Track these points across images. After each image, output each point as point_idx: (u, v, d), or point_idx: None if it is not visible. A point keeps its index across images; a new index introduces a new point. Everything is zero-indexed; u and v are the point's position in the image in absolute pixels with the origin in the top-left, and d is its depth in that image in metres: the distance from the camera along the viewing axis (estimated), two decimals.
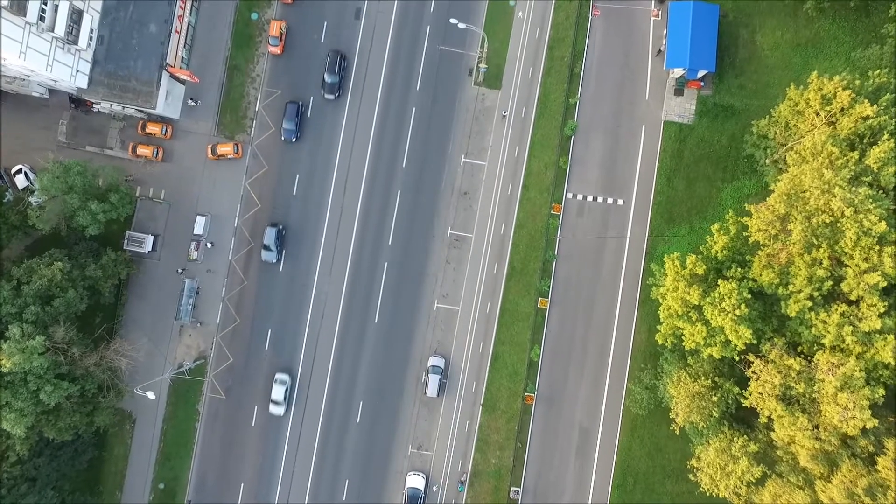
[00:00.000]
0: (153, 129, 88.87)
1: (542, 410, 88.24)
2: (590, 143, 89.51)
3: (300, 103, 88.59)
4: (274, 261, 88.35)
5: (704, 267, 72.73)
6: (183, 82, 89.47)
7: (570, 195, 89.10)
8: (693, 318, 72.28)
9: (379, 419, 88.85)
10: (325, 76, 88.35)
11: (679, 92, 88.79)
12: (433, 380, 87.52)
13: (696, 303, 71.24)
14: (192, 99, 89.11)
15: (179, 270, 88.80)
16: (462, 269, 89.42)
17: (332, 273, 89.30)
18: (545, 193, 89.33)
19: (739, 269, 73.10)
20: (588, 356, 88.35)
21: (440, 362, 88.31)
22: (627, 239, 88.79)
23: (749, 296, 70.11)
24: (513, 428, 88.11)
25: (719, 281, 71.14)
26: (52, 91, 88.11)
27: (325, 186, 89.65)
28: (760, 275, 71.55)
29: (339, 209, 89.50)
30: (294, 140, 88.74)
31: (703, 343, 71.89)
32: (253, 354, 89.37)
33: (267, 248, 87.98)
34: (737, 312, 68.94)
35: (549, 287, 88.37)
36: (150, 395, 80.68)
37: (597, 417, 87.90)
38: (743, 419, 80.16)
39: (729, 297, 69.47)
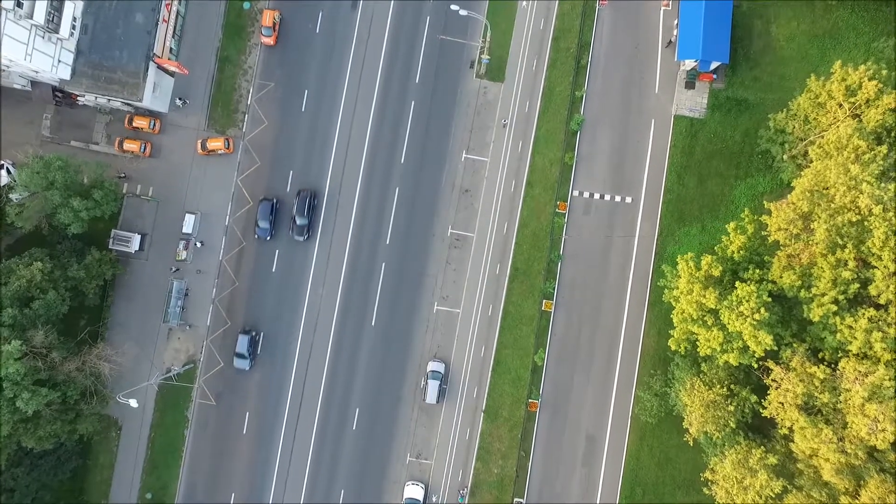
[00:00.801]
0: (140, 123, 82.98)
1: (547, 418, 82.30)
2: (597, 139, 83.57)
3: (274, 201, 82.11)
4: (247, 368, 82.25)
5: (720, 268, 66.85)
6: (172, 74, 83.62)
7: (575, 193, 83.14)
8: (709, 323, 66.24)
9: (376, 427, 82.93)
10: (296, 217, 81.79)
11: (690, 85, 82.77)
12: (432, 385, 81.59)
13: (713, 306, 65.23)
14: (179, 98, 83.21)
15: (173, 269, 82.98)
16: (463, 270, 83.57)
17: (327, 274, 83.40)
18: (550, 191, 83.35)
19: (757, 271, 67.11)
20: (595, 361, 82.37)
21: (440, 367, 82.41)
22: (636, 239, 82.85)
23: (769, 299, 64.18)
24: (516, 436, 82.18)
25: (737, 283, 65.17)
26: (34, 83, 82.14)
27: (321, 183, 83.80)
28: (780, 277, 65.60)
29: (334, 207, 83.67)
30: (268, 239, 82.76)
31: (719, 349, 65.89)
32: None
33: (240, 355, 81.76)
34: (756, 317, 62.96)
35: (553, 289, 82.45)
36: (133, 403, 74.71)
37: (604, 425, 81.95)
38: (758, 428, 74.21)
39: (747, 301, 63.50)
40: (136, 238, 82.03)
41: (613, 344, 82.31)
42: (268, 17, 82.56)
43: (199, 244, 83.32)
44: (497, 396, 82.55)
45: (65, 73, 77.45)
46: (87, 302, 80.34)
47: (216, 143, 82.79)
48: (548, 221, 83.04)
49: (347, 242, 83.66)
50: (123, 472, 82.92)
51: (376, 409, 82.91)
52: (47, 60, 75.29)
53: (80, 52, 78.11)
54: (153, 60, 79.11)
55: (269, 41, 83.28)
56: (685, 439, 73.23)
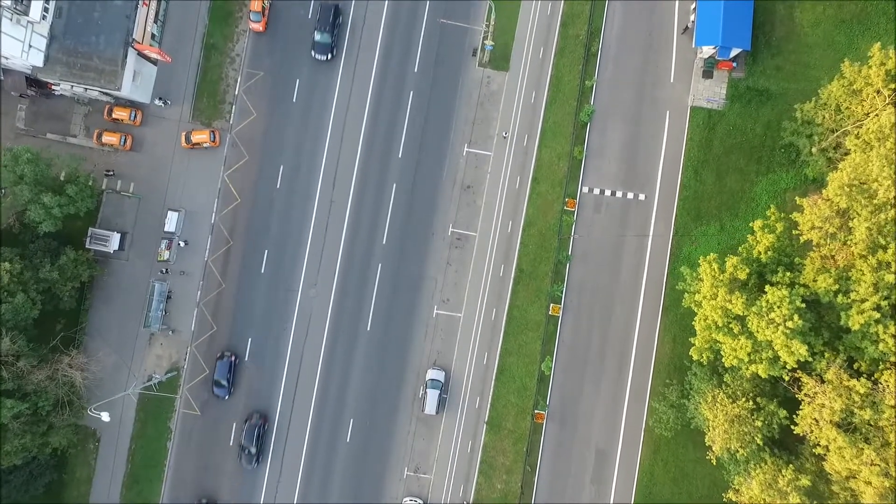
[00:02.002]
0: (120, 114, 74.91)
1: (554, 430, 74.11)
2: (608, 132, 75.40)
3: (233, 358, 73.81)
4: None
5: (747, 270, 58.80)
6: (155, 62, 75.62)
7: (585, 189, 75.03)
8: (735, 331, 58.19)
9: (371, 439, 74.77)
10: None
11: (708, 74, 74.60)
12: (432, 395, 73.51)
13: (740, 313, 57.20)
14: (160, 98, 75.18)
15: (163, 271, 74.96)
16: (465, 271, 75.54)
17: (319, 275, 75.37)
18: (558, 187, 75.24)
19: (787, 274, 58.97)
20: (605, 369, 74.25)
21: (440, 376, 74.33)
22: (650, 238, 74.73)
23: (802, 305, 56.08)
24: (521, 449, 74.11)
25: (767, 287, 57.06)
26: (6, 71, 74.11)
27: (313, 179, 75.63)
28: (814, 280, 57.54)
29: (327, 204, 75.55)
30: (226, 398, 74.25)
31: (746, 360, 57.90)
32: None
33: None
34: (789, 325, 54.85)
35: (561, 292, 74.31)
36: (105, 416, 66.53)
37: (615, 438, 73.80)
38: (782, 443, 66.08)
39: (779, 307, 55.42)
40: (116, 237, 73.97)
41: (625, 351, 74.12)
42: (257, 2, 74.43)
43: (182, 244, 75.27)
44: (501, 407, 74.39)
45: (37, 59, 69.34)
46: (63, 305, 72.32)
47: (201, 136, 74.70)
48: (555, 220, 74.92)
49: (341, 242, 75.58)
50: (102, 486, 74.68)
51: (372, 420, 74.76)
52: (17, 45, 67.22)
53: (54, 37, 69.88)
54: (133, 47, 71.02)
55: (259, 27, 75.14)
56: (707, 457, 64.97)
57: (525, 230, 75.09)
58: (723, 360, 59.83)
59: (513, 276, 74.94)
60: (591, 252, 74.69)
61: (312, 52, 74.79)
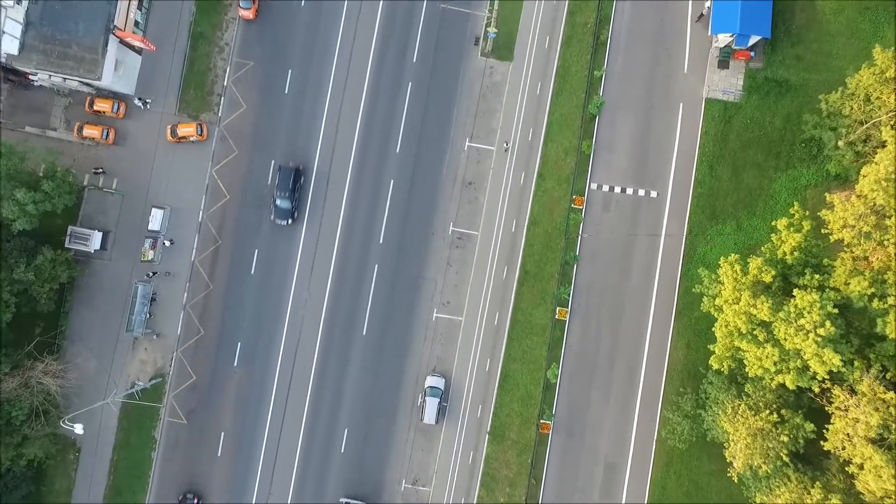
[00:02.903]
0: (102, 105, 68.91)
1: (561, 441, 68.13)
2: (617, 125, 69.40)
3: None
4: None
5: (773, 272, 52.84)
6: (139, 51, 69.78)
7: (594, 186, 69.05)
8: (760, 338, 52.21)
9: (367, 449, 68.64)
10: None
11: (724, 64, 68.63)
12: (431, 403, 67.48)
13: (766, 319, 51.26)
14: (139, 99, 68.78)
15: (150, 274, 69.11)
16: (466, 272, 69.62)
17: (312, 277, 69.39)
18: (565, 184, 69.29)
19: (816, 276, 53.09)
20: (615, 377, 68.21)
21: (440, 383, 68.30)
22: (662, 238, 68.73)
23: (835, 310, 50.12)
24: (525, 461, 68.16)
25: (795, 292, 51.04)
26: None
27: (306, 174, 69.89)
28: (846, 283, 51.62)
29: (321, 201, 69.74)
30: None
31: (773, 370, 51.92)
32: (219, 372, 69.08)
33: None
34: (820, 332, 48.84)
35: (568, 295, 68.37)
36: (78, 429, 60.54)
37: (625, 450, 67.82)
38: (804, 456, 60.05)
39: (809, 312, 49.52)
40: (97, 236, 67.99)
41: (636, 358, 68.08)
42: None
43: (168, 243, 69.36)
44: (504, 416, 68.36)
45: (11, 46, 63.38)
46: (41, 308, 66.35)
47: (187, 129, 68.71)
48: (562, 218, 68.93)
49: (336, 242, 69.68)
50: (82, 499, 68.32)
51: (368, 430, 68.66)
52: None
53: (30, 23, 63.81)
54: (114, 34, 65.18)
55: (249, 14, 69.10)
56: (727, 473, 58.97)
57: (530, 229, 69.08)
58: (746, 369, 53.77)
59: (517, 277, 68.95)
60: (600, 252, 68.66)
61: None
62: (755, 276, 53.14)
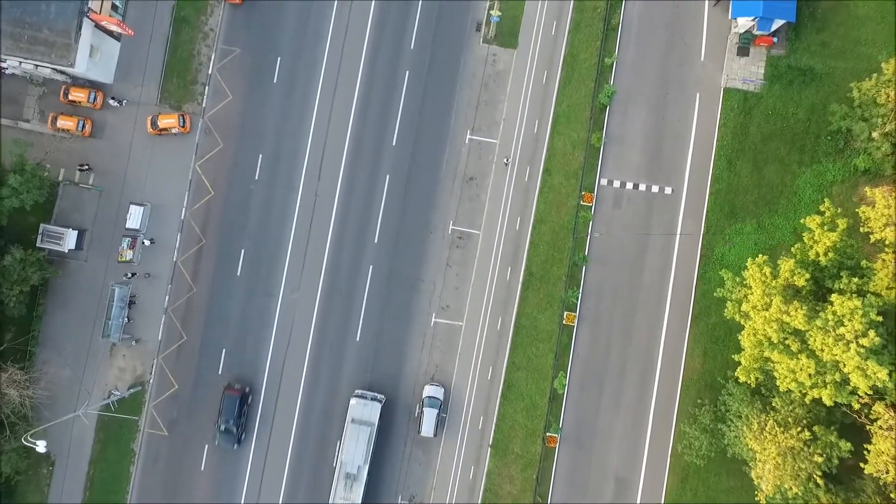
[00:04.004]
0: (78, 95, 62.47)
1: (568, 455, 61.64)
2: (629, 117, 62.90)
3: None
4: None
5: (807, 276, 46.41)
6: (117, 37, 63.37)
7: (604, 182, 62.61)
8: (794, 349, 45.78)
9: None
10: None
11: (744, 51, 62.13)
12: (429, 415, 61.03)
13: (800, 327, 44.84)
14: (113, 98, 62.38)
15: (129, 275, 62.81)
16: (467, 274, 63.19)
17: (302, 278, 63.02)
18: (573, 179, 62.83)
19: (854, 280, 46.72)
20: (626, 387, 61.70)
21: (438, 393, 61.85)
22: (677, 237, 62.32)
23: (879, 318, 43.71)
24: (530, 477, 61.68)
25: (833, 297, 44.65)
26: None
27: (296, 169, 63.11)
28: (889, 287, 45.23)
29: (311, 198, 63.23)
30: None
31: (808, 384, 45.49)
32: (203, 380, 62.57)
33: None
34: (863, 342, 42.51)
35: (577, 298, 61.93)
36: (41, 446, 53.97)
37: (637, 465, 61.35)
38: (835, 475, 53.65)
39: (850, 320, 43.17)
40: (72, 234, 61.45)
41: (649, 366, 61.61)
42: None
43: (147, 242, 62.97)
44: (507, 428, 61.87)
45: None
46: (10, 312, 59.87)
47: (169, 121, 62.23)
48: (570, 216, 62.46)
49: (327, 241, 63.26)
50: None
51: None
52: None
53: None
54: (88, 17, 58.87)
55: None
56: (756, 499, 52.32)
57: (535, 228, 62.61)
58: (777, 382, 47.30)
59: (521, 280, 62.54)
60: (611, 253, 62.17)
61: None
62: (786, 280, 46.69)
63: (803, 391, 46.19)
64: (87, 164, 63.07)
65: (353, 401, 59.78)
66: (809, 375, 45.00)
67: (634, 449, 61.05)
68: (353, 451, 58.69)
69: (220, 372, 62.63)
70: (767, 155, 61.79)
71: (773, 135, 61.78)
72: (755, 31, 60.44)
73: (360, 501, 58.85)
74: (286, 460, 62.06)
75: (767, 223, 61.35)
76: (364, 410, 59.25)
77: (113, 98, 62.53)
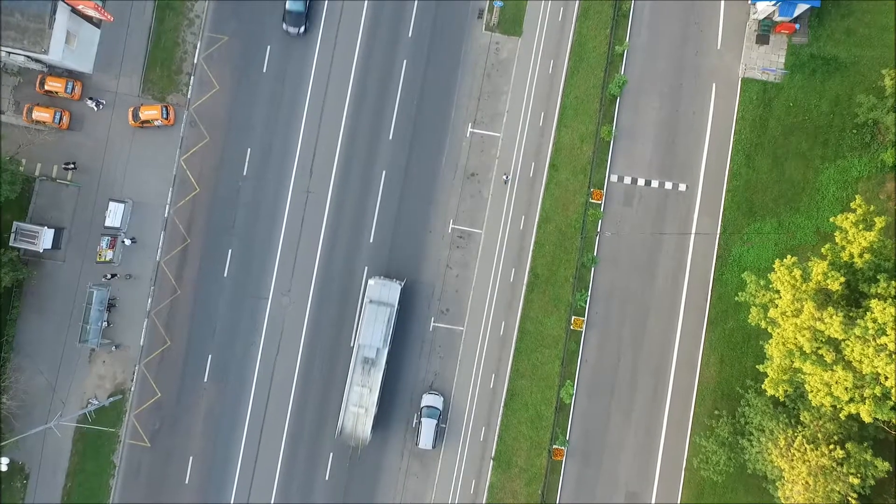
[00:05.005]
0: (55, 85, 57.25)
1: (576, 469, 56.40)
2: (641, 108, 57.69)
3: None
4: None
5: (841, 279, 41.31)
6: (97, 24, 58.28)
7: (614, 178, 57.45)
8: (828, 360, 40.67)
9: (355, 477, 56.78)
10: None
11: (763, 39, 56.98)
12: (427, 425, 55.83)
13: (837, 336, 39.75)
14: (91, 98, 56.85)
15: (108, 276, 57.79)
16: (468, 276, 58.01)
17: (293, 280, 57.89)
18: (581, 175, 57.64)
19: (894, 284, 41.65)
20: (638, 396, 56.45)
21: (437, 402, 56.61)
22: (692, 237, 57.15)
23: None
24: (535, 492, 56.37)
25: (872, 303, 39.51)
26: None
27: (286, 164, 58.05)
28: None
29: (303, 195, 58.02)
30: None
31: (846, 398, 40.38)
32: (188, 388, 57.51)
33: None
34: None
35: (585, 302, 56.69)
36: (3, 464, 49.07)
37: (649, 479, 56.06)
38: (863, 494, 48.53)
39: (893, 329, 38.08)
40: (48, 233, 56.25)
41: (662, 374, 56.36)
42: None
43: (128, 241, 57.86)
44: (511, 440, 56.73)
45: None
46: None
47: (151, 112, 56.99)
48: (578, 215, 57.34)
49: (320, 241, 58.02)
50: None
51: (355, 455, 57.32)
52: None
53: None
54: (64, 1, 53.89)
55: None
56: None
57: (541, 227, 57.44)
58: (809, 396, 42.13)
59: (526, 282, 57.33)
60: (621, 253, 57.00)
61: (284, 25, 57.35)
62: (818, 283, 41.55)
63: (839, 406, 41.05)
64: (74, 163, 57.86)
65: (371, 281, 54.15)
66: (846, 389, 39.90)
67: (646, 463, 55.83)
68: (372, 332, 52.25)
69: (205, 380, 57.51)
70: (788, 149, 56.57)
71: (795, 128, 56.57)
72: (776, 17, 55.28)
73: (379, 388, 52.88)
74: (275, 478, 56.96)
75: (788, 222, 56.19)
76: (383, 291, 53.12)
77: (91, 98, 57.14)
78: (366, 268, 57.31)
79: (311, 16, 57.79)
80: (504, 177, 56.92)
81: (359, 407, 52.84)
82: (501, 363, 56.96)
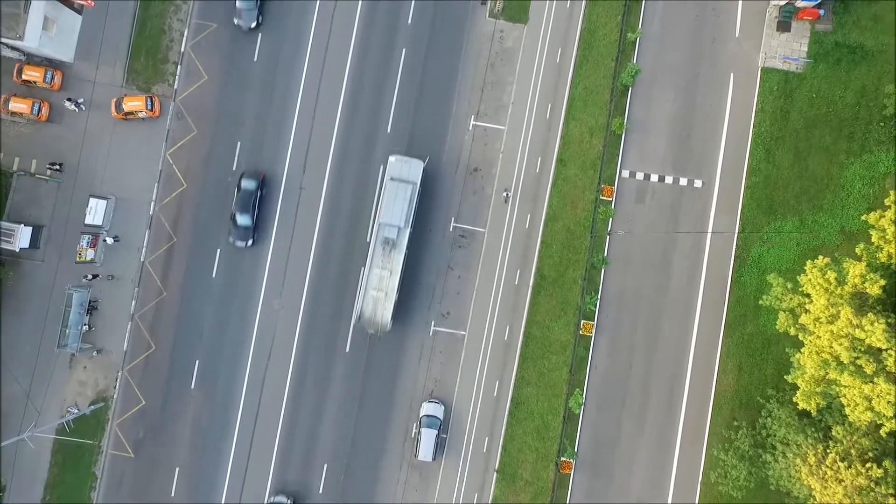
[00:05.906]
0: (33, 74, 52.90)
1: (585, 482, 52.02)
2: (655, 100, 53.26)
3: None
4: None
5: (882, 283, 36.96)
6: (79, 10, 53.87)
7: (626, 173, 53.01)
8: (867, 371, 36.34)
9: (350, 490, 52.43)
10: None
11: (784, 26, 52.56)
12: (427, 436, 51.46)
13: (879, 345, 35.41)
14: (69, 100, 52.24)
15: (89, 277, 53.56)
16: (470, 277, 53.64)
17: (285, 281, 53.48)
18: (590, 171, 53.24)
19: None
20: (651, 406, 51.97)
21: (438, 411, 52.23)
22: (708, 236, 52.77)
23: None
24: None
25: None
26: None
27: (278, 158, 53.92)
28: None
29: (296, 191, 53.71)
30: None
31: (890, 413, 36.03)
32: (174, 395, 53.06)
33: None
34: None
35: (595, 305, 52.32)
36: None
37: (663, 494, 51.56)
38: None
39: None
40: (25, 231, 51.95)
41: (677, 382, 51.95)
42: None
43: (111, 240, 53.49)
44: (516, 452, 52.35)
45: None
46: None
47: (135, 103, 52.64)
48: (587, 212, 52.96)
49: (313, 240, 53.72)
50: None
51: (351, 467, 52.60)
52: None
53: None
54: None
55: None
56: None
57: (548, 225, 53.06)
58: (846, 411, 37.80)
59: (531, 284, 52.93)
60: (633, 254, 52.58)
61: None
62: (854, 287, 37.18)
63: (880, 422, 36.73)
64: (60, 164, 53.28)
65: (392, 158, 49.56)
66: (889, 403, 35.57)
67: (660, 476, 51.37)
68: (392, 210, 47.85)
69: (192, 386, 53.14)
70: (811, 143, 52.13)
71: (818, 120, 52.11)
72: (798, 3, 50.83)
73: (400, 272, 48.39)
74: (266, 488, 52.60)
75: (811, 221, 51.75)
76: (404, 168, 48.68)
77: (69, 99, 52.71)
78: (361, 269, 52.98)
79: (303, 2, 53.41)
80: (504, 194, 52.47)
81: (378, 290, 48.11)
82: (506, 370, 52.54)
